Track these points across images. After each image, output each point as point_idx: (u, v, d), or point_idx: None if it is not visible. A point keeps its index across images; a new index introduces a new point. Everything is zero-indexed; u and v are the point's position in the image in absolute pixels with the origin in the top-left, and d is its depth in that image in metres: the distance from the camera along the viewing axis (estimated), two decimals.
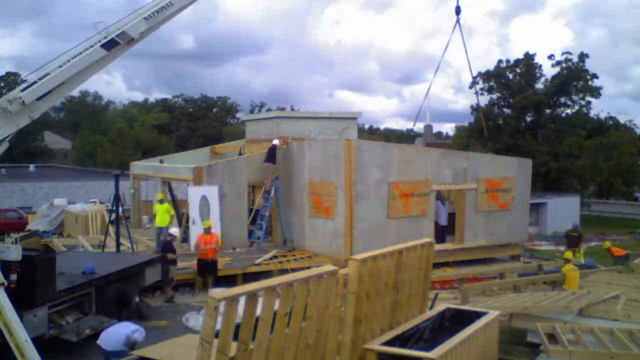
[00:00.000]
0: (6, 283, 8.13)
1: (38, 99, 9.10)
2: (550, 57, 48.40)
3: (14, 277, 8.81)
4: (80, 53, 9.53)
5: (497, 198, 19.03)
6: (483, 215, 18.76)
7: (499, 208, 19.02)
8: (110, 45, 9.78)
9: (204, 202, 18.17)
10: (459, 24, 19.34)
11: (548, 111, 49.34)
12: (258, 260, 16.55)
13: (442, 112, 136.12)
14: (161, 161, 25.28)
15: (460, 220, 18.50)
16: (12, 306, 7.94)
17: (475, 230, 18.63)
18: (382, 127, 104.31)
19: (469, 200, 18.47)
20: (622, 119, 55.35)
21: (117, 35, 9.84)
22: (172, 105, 76.88)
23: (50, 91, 9.20)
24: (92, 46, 9.64)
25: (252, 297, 5.27)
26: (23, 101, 8.87)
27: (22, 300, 8.72)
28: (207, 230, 15.12)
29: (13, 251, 8.91)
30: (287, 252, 18.20)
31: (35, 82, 9.08)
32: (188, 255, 17.30)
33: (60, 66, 9.34)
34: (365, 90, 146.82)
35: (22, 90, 8.93)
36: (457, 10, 19.08)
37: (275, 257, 17.42)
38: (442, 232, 18.64)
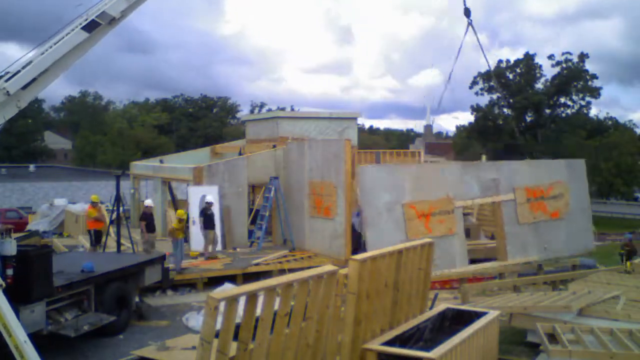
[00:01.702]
0: (4, 285, 8.12)
1: (24, 88, 8.85)
2: (551, 57, 48.44)
3: (9, 271, 8.81)
4: (62, 38, 9.27)
5: (545, 207, 17.28)
6: (530, 228, 17.11)
7: (549, 217, 17.30)
8: (91, 26, 9.47)
9: (204, 202, 18.15)
10: (472, 25, 18.15)
11: (548, 111, 49.36)
12: (257, 261, 16.55)
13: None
14: (161, 161, 25.31)
15: (500, 235, 17.03)
16: (10, 307, 7.94)
17: (522, 244, 17.04)
18: (382, 127, 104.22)
19: (507, 213, 16.95)
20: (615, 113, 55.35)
21: (97, 16, 9.54)
22: (172, 105, 76.89)
23: (35, 79, 8.96)
24: (73, 30, 9.38)
25: (252, 297, 5.27)
26: (7, 91, 8.62)
27: (18, 296, 8.72)
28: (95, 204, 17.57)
29: (7, 246, 8.90)
30: (287, 252, 18.19)
31: (18, 72, 8.83)
32: (187, 255, 17.33)
33: (43, 53, 9.10)
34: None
35: (6, 81, 8.68)
36: (467, 13, 18.04)
37: (285, 256, 17.46)
38: (358, 239, 17.12)
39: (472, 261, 17.62)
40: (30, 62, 8.96)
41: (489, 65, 19.10)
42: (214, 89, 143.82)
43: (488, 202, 17.23)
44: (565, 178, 17.88)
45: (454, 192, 16.47)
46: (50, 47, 9.17)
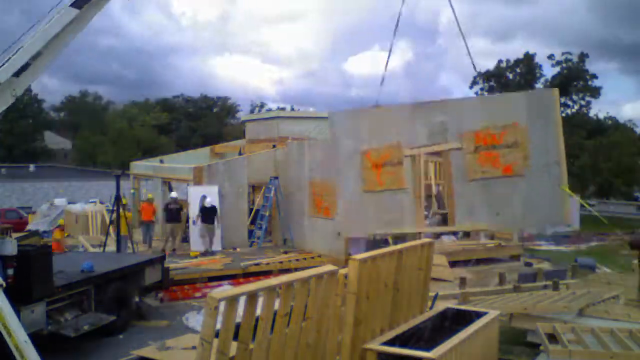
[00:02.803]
0: (4, 285, 8.12)
1: (17, 75, 8.50)
2: (551, 57, 48.48)
3: (10, 271, 8.80)
4: (52, 18, 8.83)
5: (497, 159, 13.34)
6: (479, 186, 13.60)
7: (501, 173, 13.36)
8: (80, 2, 8.96)
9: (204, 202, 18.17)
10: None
11: None
12: (257, 261, 16.56)
13: None
14: (161, 161, 25.30)
15: (449, 195, 14.07)
16: (10, 307, 7.93)
17: (470, 207, 13.83)
18: None
19: (456, 166, 13.71)
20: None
21: None
22: (172, 105, 76.90)
23: (28, 64, 8.59)
24: (62, 9, 8.93)
25: (252, 297, 5.27)
26: None
27: (19, 296, 8.72)
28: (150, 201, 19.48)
29: (8, 246, 8.88)
30: (286, 251, 18.21)
31: (9, 58, 8.45)
32: (187, 255, 17.34)
33: (33, 37, 8.70)
34: None
35: None
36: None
37: (286, 253, 17.50)
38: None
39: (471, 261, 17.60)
40: (21, 47, 8.56)
41: (473, 65, 15.03)
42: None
43: (434, 150, 14.30)
44: (524, 120, 13.37)
45: (403, 139, 13.97)
46: (41, 29, 8.75)
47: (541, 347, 8.62)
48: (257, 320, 5.38)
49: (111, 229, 18.24)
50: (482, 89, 49.66)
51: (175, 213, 18.34)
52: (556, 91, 14.21)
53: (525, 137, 13.23)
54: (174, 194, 19.14)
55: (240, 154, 23.81)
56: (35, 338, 8.42)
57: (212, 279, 15.16)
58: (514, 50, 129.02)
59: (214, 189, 18.55)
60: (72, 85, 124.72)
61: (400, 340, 7.25)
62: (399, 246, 7.76)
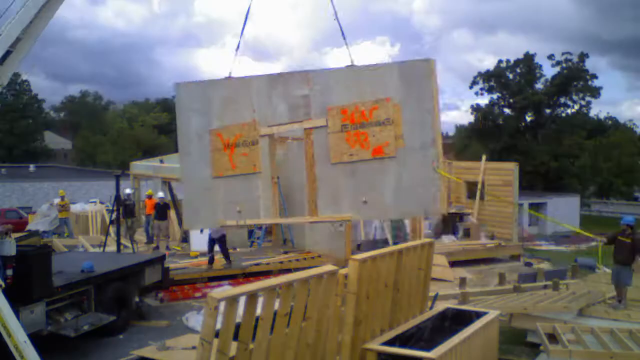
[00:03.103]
0: (3, 285, 8.12)
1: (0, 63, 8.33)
2: (551, 57, 48.46)
3: (9, 272, 8.79)
4: (26, 1, 8.52)
5: (366, 138, 11.30)
6: (345, 171, 11.40)
7: (370, 156, 11.20)
8: None
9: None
10: None
11: (548, 111, 49.39)
12: (257, 261, 16.56)
13: None
14: (161, 161, 25.27)
15: (309, 180, 12.03)
16: (10, 307, 7.93)
17: (334, 195, 11.59)
18: None
19: (320, 147, 11.58)
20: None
21: None
22: (172, 105, 76.77)
23: (9, 52, 8.40)
24: None
25: (252, 297, 5.27)
26: None
27: (18, 296, 8.72)
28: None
29: (7, 246, 8.88)
30: (285, 252, 18.21)
31: None
32: (187, 255, 17.35)
33: (10, 22, 8.43)
34: None
35: None
36: None
37: (286, 253, 17.50)
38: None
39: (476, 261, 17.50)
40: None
41: (343, 34, 11.34)
42: None
43: (295, 128, 12.09)
44: (399, 94, 11.13)
45: (259, 115, 11.79)
46: (17, 13, 8.45)
47: (541, 347, 8.63)
48: (257, 320, 5.37)
49: (111, 229, 18.24)
50: (482, 89, 49.71)
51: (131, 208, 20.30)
52: (432, 61, 11.52)
53: (398, 113, 10.87)
54: (127, 191, 21.48)
55: None
56: (35, 338, 8.43)
57: (212, 279, 15.16)
58: (498, 42, 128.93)
59: None
60: (56, 84, 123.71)
61: (400, 340, 7.26)
62: (399, 246, 7.76)
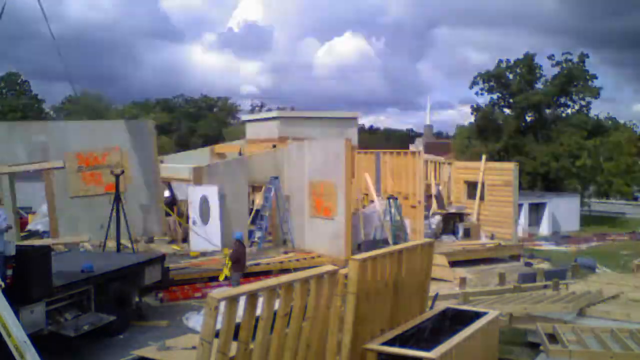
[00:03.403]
0: (3, 285, 8.12)
1: None
2: (551, 57, 48.42)
3: (9, 272, 8.80)
4: None
5: (99, 177, 15.94)
6: (82, 202, 16.12)
7: (103, 191, 15.84)
8: None
9: (204, 202, 18.18)
10: None
11: (548, 111, 49.38)
12: (257, 261, 16.55)
13: None
14: (161, 161, 25.28)
15: (50, 210, 16.17)
16: (10, 307, 7.93)
17: (74, 222, 16.34)
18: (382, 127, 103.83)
19: (60, 184, 15.98)
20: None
21: None
22: (173, 105, 76.92)
23: None
24: None
25: (252, 297, 5.28)
26: None
27: (18, 296, 8.72)
28: None
29: (7, 246, 8.88)
30: (285, 252, 18.21)
31: None
32: (187, 255, 17.33)
33: None
34: None
35: None
36: None
37: (286, 253, 17.47)
38: None
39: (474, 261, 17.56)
40: None
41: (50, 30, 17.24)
42: None
43: (35, 168, 15.77)
44: (125, 144, 16.18)
45: (2, 158, 15.55)
46: None
47: (541, 347, 8.63)
48: (257, 320, 5.38)
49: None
50: (482, 89, 49.68)
51: None
52: (151, 122, 17.24)
53: (126, 159, 15.96)
54: None
55: (240, 154, 23.80)
56: (35, 338, 8.42)
57: (212, 279, 15.16)
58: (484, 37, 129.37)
59: (214, 189, 18.54)
60: (41, 83, 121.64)
61: (400, 340, 7.25)
62: (399, 246, 7.76)
